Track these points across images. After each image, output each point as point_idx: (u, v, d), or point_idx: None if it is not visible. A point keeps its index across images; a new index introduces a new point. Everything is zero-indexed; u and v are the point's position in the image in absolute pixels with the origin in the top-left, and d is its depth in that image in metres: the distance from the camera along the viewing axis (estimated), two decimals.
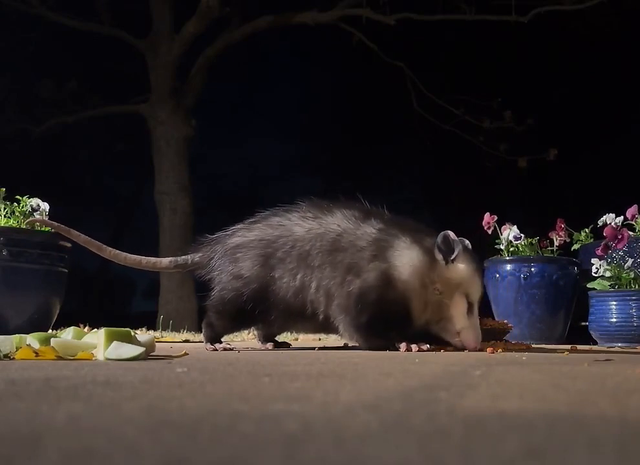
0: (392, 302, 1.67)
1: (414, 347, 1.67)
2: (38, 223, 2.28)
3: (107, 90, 8.08)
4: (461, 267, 1.68)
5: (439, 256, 1.68)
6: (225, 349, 1.72)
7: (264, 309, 1.75)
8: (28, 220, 2.23)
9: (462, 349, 1.70)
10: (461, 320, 1.68)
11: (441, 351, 1.70)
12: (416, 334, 1.74)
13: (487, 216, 3.07)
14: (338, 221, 1.77)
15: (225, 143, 12.49)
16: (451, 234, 1.69)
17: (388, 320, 1.68)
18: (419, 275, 1.67)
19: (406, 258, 1.68)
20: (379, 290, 1.66)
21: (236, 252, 1.81)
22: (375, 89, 9.29)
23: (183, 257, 1.94)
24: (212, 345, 1.76)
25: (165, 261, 1.99)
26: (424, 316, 1.70)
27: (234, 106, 12.53)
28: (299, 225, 1.79)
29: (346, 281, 1.68)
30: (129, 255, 1.99)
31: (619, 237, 2.52)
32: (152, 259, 2.01)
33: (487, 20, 6.80)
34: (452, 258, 1.67)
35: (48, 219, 2.39)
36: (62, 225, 2.05)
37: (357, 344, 1.78)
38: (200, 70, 7.14)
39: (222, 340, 1.83)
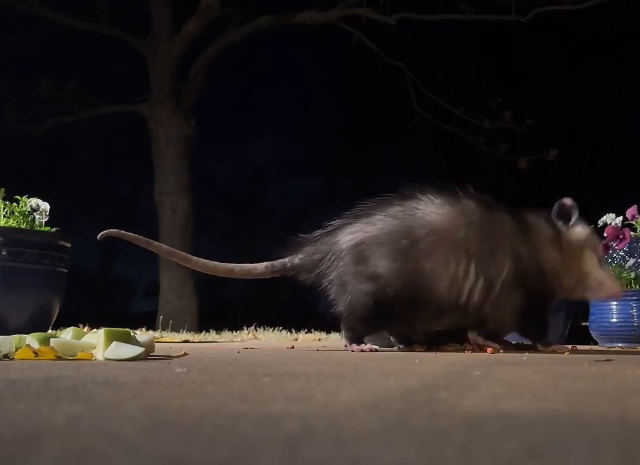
0: (550, 284, 1.72)
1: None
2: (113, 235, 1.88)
3: (107, 90, 8.08)
4: (580, 228, 1.75)
5: (559, 223, 1.74)
6: (370, 350, 1.64)
7: (409, 306, 1.65)
8: (101, 233, 1.83)
9: (607, 298, 1.94)
10: (599, 272, 1.73)
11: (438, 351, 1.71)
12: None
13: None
14: (470, 207, 1.71)
15: (225, 143, 12.49)
16: (568, 200, 1.74)
17: (548, 301, 1.75)
18: (558, 249, 1.72)
19: (548, 235, 1.73)
20: (542, 277, 1.70)
21: (361, 250, 1.66)
22: (375, 89, 9.29)
23: (281, 261, 1.78)
24: (358, 345, 1.66)
25: (261, 266, 1.81)
26: (566, 286, 1.75)
27: (234, 106, 12.54)
28: (434, 212, 1.69)
29: (509, 269, 1.67)
30: (219, 264, 1.83)
31: (621, 237, 2.52)
32: (246, 266, 1.83)
33: (487, 20, 6.80)
34: (572, 223, 1.73)
35: (48, 219, 2.39)
36: (141, 237, 1.86)
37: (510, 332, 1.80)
38: (200, 70, 7.14)
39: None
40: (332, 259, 1.69)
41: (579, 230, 1.74)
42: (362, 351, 1.64)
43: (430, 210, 1.69)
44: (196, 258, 1.83)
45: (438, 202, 1.70)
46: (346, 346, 1.74)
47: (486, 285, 1.66)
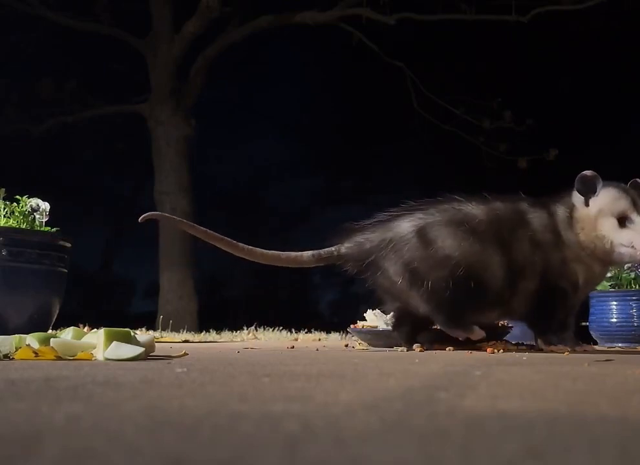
0: (572, 273, 1.72)
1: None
2: (150, 219, 1.84)
3: (107, 90, 8.08)
4: (601, 196, 1.71)
5: (578, 200, 1.72)
6: (481, 337, 1.66)
7: (473, 292, 1.64)
8: (144, 215, 1.79)
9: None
10: (616, 235, 1.68)
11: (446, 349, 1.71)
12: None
13: None
14: (498, 205, 1.73)
15: (225, 143, 12.48)
16: (588, 172, 1.72)
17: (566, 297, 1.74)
18: (573, 230, 1.71)
19: (565, 220, 1.72)
20: (563, 266, 1.70)
21: (426, 233, 1.65)
22: (375, 89, 9.29)
23: (327, 249, 1.75)
24: (467, 331, 1.66)
25: (307, 254, 1.77)
26: (596, 260, 1.73)
27: (234, 106, 12.54)
28: (475, 208, 1.71)
29: (533, 262, 1.68)
30: (266, 251, 1.79)
31: None
32: (292, 254, 1.80)
33: (487, 20, 6.80)
34: (597, 193, 1.70)
35: (48, 219, 2.39)
36: (184, 220, 1.85)
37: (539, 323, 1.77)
38: (200, 70, 7.14)
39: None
40: (391, 245, 1.66)
41: (599, 200, 1.70)
42: (472, 338, 1.65)
43: (471, 207, 1.71)
44: (242, 244, 1.79)
45: (473, 202, 1.73)
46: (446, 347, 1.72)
47: (516, 277, 1.67)
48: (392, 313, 1.93)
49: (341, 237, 1.75)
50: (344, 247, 1.73)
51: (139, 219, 1.78)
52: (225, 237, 1.78)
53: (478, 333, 1.67)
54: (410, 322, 1.83)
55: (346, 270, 1.75)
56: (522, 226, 1.71)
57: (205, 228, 1.80)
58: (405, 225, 1.68)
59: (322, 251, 1.76)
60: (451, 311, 1.67)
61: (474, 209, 1.71)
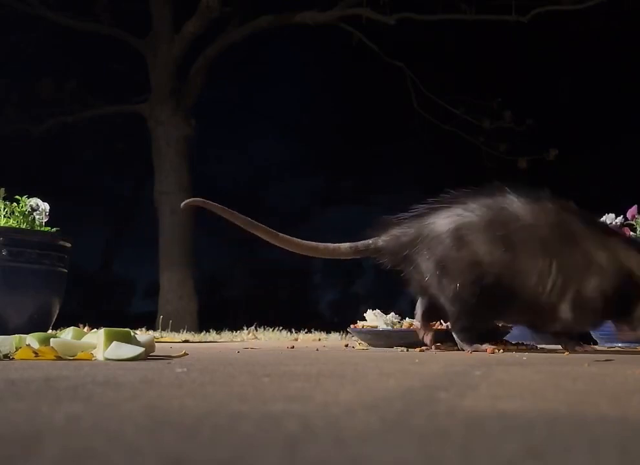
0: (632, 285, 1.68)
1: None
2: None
3: (107, 90, 8.07)
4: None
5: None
6: (492, 352, 1.60)
7: (501, 299, 1.63)
8: (186, 201, 1.83)
9: None
10: None
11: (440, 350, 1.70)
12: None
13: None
14: (550, 208, 1.69)
15: (225, 143, 12.48)
16: None
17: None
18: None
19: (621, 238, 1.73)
20: (624, 279, 1.67)
21: (462, 235, 1.63)
22: (375, 89, 9.29)
23: (364, 242, 1.74)
24: (480, 345, 1.64)
25: (345, 246, 1.77)
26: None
27: (234, 106, 12.52)
28: (521, 208, 1.66)
29: (586, 271, 1.65)
30: (304, 241, 1.79)
31: None
32: (330, 245, 1.79)
33: (487, 20, 6.79)
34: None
35: (48, 219, 2.39)
36: (225, 208, 1.82)
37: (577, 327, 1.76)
38: (200, 70, 7.14)
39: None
40: (426, 241, 1.65)
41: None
42: (485, 351, 1.61)
43: (517, 206, 1.66)
44: (281, 234, 1.79)
45: (522, 200, 1.68)
46: (462, 349, 1.68)
47: (564, 285, 1.63)
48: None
49: (378, 230, 1.74)
50: (381, 240, 1.72)
51: (181, 205, 1.79)
52: (265, 226, 1.78)
53: (486, 348, 1.65)
54: (437, 318, 1.84)
55: (381, 263, 1.74)
56: (577, 238, 1.66)
57: (245, 217, 1.80)
58: (442, 222, 1.66)
59: (359, 243, 1.75)
60: (470, 322, 1.66)
61: (519, 210, 1.65)
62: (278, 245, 1.80)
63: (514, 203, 1.67)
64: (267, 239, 1.79)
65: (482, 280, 1.61)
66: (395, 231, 1.71)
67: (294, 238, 1.79)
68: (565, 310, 1.66)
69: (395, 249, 1.70)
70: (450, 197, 1.71)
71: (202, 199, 1.79)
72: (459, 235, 1.63)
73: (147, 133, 7.15)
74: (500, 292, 1.62)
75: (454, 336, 1.71)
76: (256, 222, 1.79)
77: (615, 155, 9.13)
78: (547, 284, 1.62)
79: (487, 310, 1.66)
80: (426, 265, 1.66)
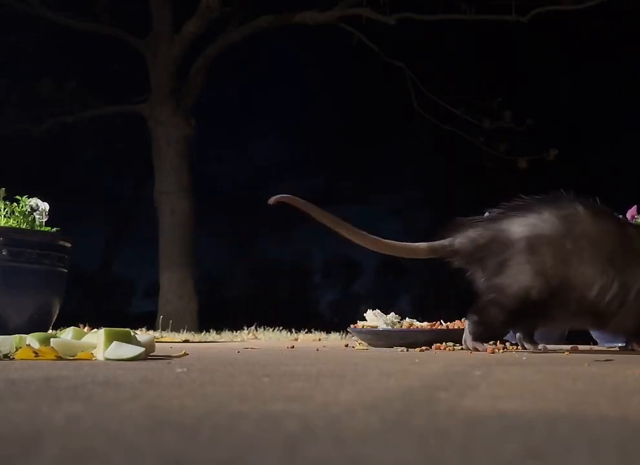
0: None
1: None
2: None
3: (107, 90, 8.07)
4: None
5: None
6: (492, 352, 1.61)
7: (554, 307, 1.65)
8: (274, 198, 1.77)
9: None
10: None
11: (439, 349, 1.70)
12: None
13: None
14: (610, 221, 1.71)
15: (225, 143, 12.49)
16: None
17: None
18: None
19: None
20: None
21: (534, 243, 1.64)
22: (375, 89, 9.29)
23: (440, 242, 1.74)
24: (483, 344, 1.66)
25: (422, 246, 1.77)
26: None
27: (234, 106, 12.54)
28: (589, 222, 1.68)
29: None
30: (381, 239, 1.78)
31: None
32: (409, 244, 1.80)
33: (487, 20, 6.79)
34: None
35: (48, 219, 2.39)
36: (311, 204, 1.80)
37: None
38: (200, 70, 7.14)
39: None
40: (499, 245, 1.66)
41: None
42: (485, 350, 1.62)
43: (585, 219, 1.68)
44: (362, 232, 1.78)
45: (588, 212, 1.69)
46: (464, 344, 1.69)
47: (623, 294, 1.65)
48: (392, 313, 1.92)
49: (452, 231, 1.74)
50: (457, 242, 1.72)
51: (269, 201, 1.75)
52: (351, 226, 1.77)
53: (486, 348, 1.66)
54: None
55: (452, 264, 1.74)
56: (634, 251, 1.67)
57: (333, 216, 1.79)
58: (517, 229, 1.67)
59: (435, 243, 1.75)
60: (496, 329, 1.68)
61: (588, 225, 1.67)
62: (361, 244, 1.79)
63: (585, 219, 1.68)
64: (351, 239, 1.78)
65: (540, 288, 1.63)
66: (471, 233, 1.71)
67: (369, 235, 1.78)
68: (619, 317, 1.67)
69: (471, 252, 1.70)
70: (524, 205, 1.73)
71: (290, 196, 1.77)
72: (531, 243, 1.65)
73: (147, 133, 7.15)
74: (553, 302, 1.64)
75: (468, 326, 1.70)
76: (342, 221, 1.77)
77: (615, 155, 9.13)
78: (606, 297, 1.64)
79: (527, 317, 1.68)
80: (487, 265, 1.68)
